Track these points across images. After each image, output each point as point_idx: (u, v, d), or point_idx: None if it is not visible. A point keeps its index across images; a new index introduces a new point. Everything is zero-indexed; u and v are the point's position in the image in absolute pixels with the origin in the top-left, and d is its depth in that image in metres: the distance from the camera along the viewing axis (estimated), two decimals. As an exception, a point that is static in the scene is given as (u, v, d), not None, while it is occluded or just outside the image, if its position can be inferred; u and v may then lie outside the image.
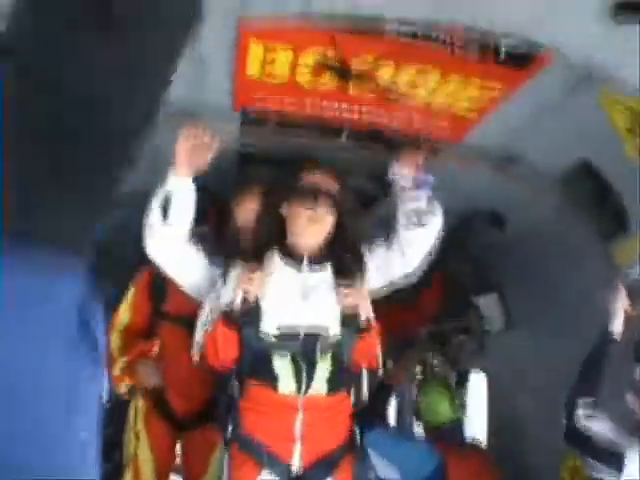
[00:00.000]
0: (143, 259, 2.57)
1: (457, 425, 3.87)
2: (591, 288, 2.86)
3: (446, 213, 2.57)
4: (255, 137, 2.91)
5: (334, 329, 2.49)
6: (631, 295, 2.69)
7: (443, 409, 3.77)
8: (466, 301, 3.73)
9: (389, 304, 2.71)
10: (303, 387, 2.46)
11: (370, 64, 2.35)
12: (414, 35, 2.14)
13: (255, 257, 2.57)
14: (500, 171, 2.95)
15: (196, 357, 2.55)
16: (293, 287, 2.53)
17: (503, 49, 2.18)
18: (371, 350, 2.57)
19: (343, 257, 2.63)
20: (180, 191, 2.38)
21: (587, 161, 2.75)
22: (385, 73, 2.41)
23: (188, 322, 2.76)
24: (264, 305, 2.47)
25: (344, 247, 2.64)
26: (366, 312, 2.52)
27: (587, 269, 2.99)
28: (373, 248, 2.64)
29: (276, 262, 2.60)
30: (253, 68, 2.37)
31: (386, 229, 2.66)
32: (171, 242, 2.45)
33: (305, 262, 2.57)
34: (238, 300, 2.42)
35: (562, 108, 2.50)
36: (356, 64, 2.36)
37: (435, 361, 3.98)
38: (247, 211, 2.89)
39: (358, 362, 2.58)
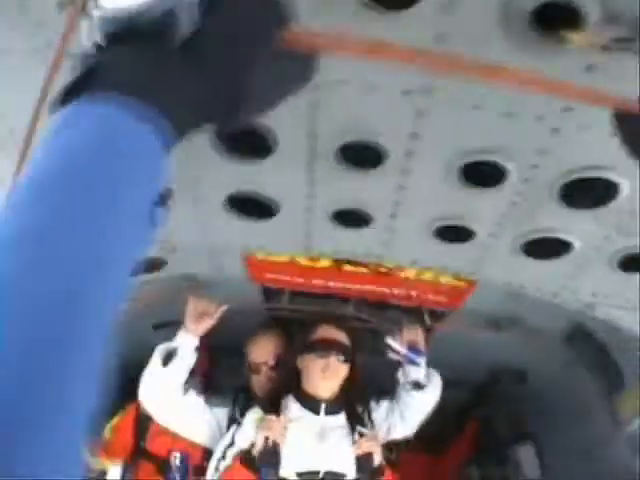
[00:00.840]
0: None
1: None
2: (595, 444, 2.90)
3: (470, 370, 2.81)
4: (276, 301, 3.26)
5: (350, 473, 2.65)
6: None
7: None
8: (502, 450, 3.78)
9: (418, 452, 2.95)
10: None
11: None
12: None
13: (271, 403, 2.83)
14: (504, 332, 3.10)
15: None
16: (311, 431, 2.74)
17: None
18: None
19: (355, 403, 2.89)
20: (185, 346, 2.79)
21: (581, 323, 2.86)
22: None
23: (164, 463, 3.03)
24: (284, 449, 2.63)
25: (356, 394, 2.93)
26: (379, 458, 2.70)
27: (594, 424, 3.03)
28: (379, 405, 2.94)
29: (293, 407, 2.84)
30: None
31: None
32: (167, 389, 2.76)
33: (323, 408, 2.82)
34: (259, 443, 2.61)
35: None
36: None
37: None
38: (261, 349, 3.15)
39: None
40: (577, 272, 1.74)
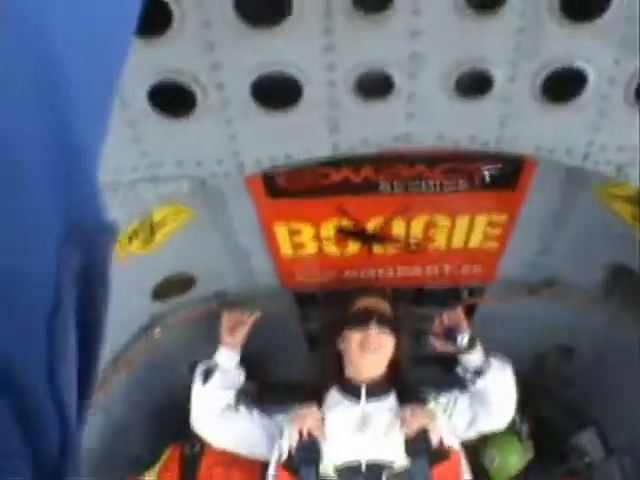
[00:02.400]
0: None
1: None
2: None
3: (516, 355, 2.75)
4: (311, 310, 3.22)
5: (400, 460, 2.36)
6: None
7: None
8: (564, 445, 3.63)
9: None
10: None
11: (383, 224, 2.71)
12: (406, 188, 2.50)
13: (314, 397, 2.61)
14: (540, 296, 3.08)
15: None
16: (351, 421, 2.49)
17: (486, 173, 2.44)
18: None
19: (407, 384, 2.67)
20: (225, 361, 2.71)
21: (619, 265, 2.86)
22: (399, 229, 2.74)
23: None
24: (323, 444, 2.41)
25: (406, 374, 2.72)
26: (437, 436, 2.40)
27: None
28: (456, 401, 2.67)
29: (335, 398, 2.63)
30: (286, 248, 2.79)
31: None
32: (212, 407, 2.66)
33: (363, 392, 2.58)
34: (294, 441, 2.41)
35: (568, 219, 2.67)
36: (370, 227, 2.71)
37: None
38: None
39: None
40: (600, 120, 1.76)
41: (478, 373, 2.62)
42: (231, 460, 2.89)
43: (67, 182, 0.62)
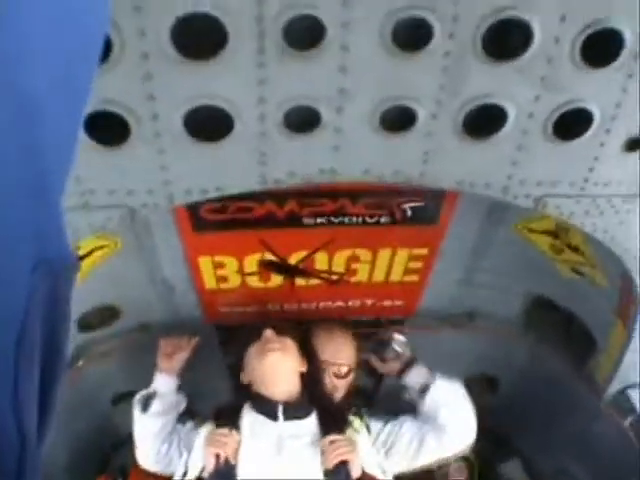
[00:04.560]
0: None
1: None
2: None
3: None
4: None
5: None
6: (619, 409, 2.73)
7: None
8: (491, 471, 3.68)
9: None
10: None
11: (306, 257, 2.71)
12: (329, 221, 2.54)
13: (227, 418, 2.45)
14: (461, 329, 3.15)
15: None
16: (267, 440, 2.34)
17: (408, 208, 2.47)
18: None
19: (329, 404, 2.58)
20: (163, 388, 2.65)
21: (538, 296, 2.95)
22: (321, 263, 2.75)
23: None
24: (240, 469, 2.26)
25: (324, 393, 2.64)
26: (357, 468, 2.27)
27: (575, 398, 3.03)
28: (402, 426, 2.54)
29: (249, 416, 2.46)
30: (209, 281, 2.78)
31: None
32: (153, 435, 2.58)
33: (280, 410, 2.43)
34: (210, 466, 2.26)
35: (488, 252, 2.73)
36: (293, 260, 2.72)
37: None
38: None
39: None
40: (518, 154, 1.83)
41: (423, 390, 2.55)
42: None
43: (37, 214, 0.63)
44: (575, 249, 2.47)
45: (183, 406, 2.71)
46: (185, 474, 2.39)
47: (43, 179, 0.63)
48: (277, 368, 2.49)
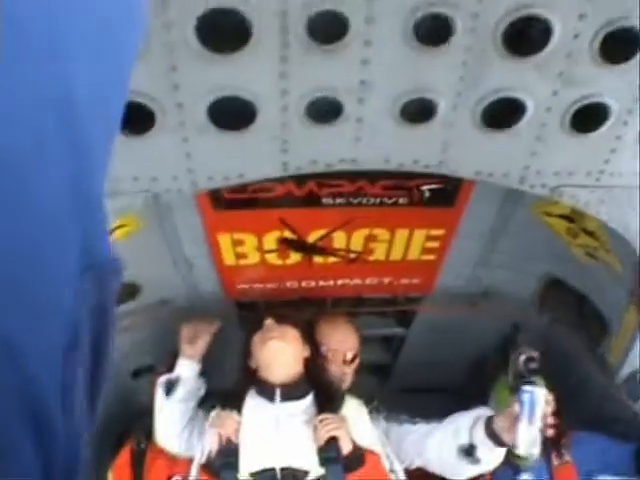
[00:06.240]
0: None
1: None
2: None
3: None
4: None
5: (314, 468, 2.32)
6: (629, 393, 2.77)
7: None
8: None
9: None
10: None
11: (324, 236, 2.76)
12: (347, 202, 2.57)
13: (233, 403, 2.56)
14: (477, 308, 3.19)
15: None
16: (266, 423, 2.47)
17: (426, 190, 2.50)
18: None
19: (326, 387, 2.65)
20: (186, 372, 2.72)
21: (553, 276, 2.97)
22: (339, 241, 2.79)
23: None
24: (241, 447, 2.40)
25: (323, 376, 2.72)
26: (347, 444, 2.36)
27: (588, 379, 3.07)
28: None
29: (252, 400, 2.58)
30: (229, 257, 2.84)
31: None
32: (176, 420, 2.66)
33: (277, 392, 2.54)
34: (214, 445, 2.40)
35: (505, 233, 2.76)
36: (312, 239, 2.76)
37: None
38: None
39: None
40: (537, 145, 1.85)
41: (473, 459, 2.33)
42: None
43: (84, 216, 0.61)
44: (590, 234, 2.48)
45: (203, 391, 2.78)
46: (201, 458, 2.49)
47: (88, 180, 0.62)
48: (276, 354, 2.60)
